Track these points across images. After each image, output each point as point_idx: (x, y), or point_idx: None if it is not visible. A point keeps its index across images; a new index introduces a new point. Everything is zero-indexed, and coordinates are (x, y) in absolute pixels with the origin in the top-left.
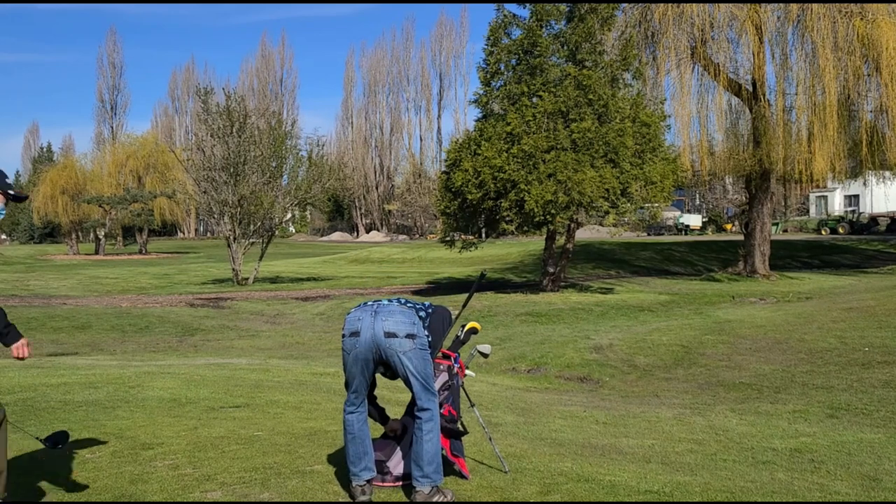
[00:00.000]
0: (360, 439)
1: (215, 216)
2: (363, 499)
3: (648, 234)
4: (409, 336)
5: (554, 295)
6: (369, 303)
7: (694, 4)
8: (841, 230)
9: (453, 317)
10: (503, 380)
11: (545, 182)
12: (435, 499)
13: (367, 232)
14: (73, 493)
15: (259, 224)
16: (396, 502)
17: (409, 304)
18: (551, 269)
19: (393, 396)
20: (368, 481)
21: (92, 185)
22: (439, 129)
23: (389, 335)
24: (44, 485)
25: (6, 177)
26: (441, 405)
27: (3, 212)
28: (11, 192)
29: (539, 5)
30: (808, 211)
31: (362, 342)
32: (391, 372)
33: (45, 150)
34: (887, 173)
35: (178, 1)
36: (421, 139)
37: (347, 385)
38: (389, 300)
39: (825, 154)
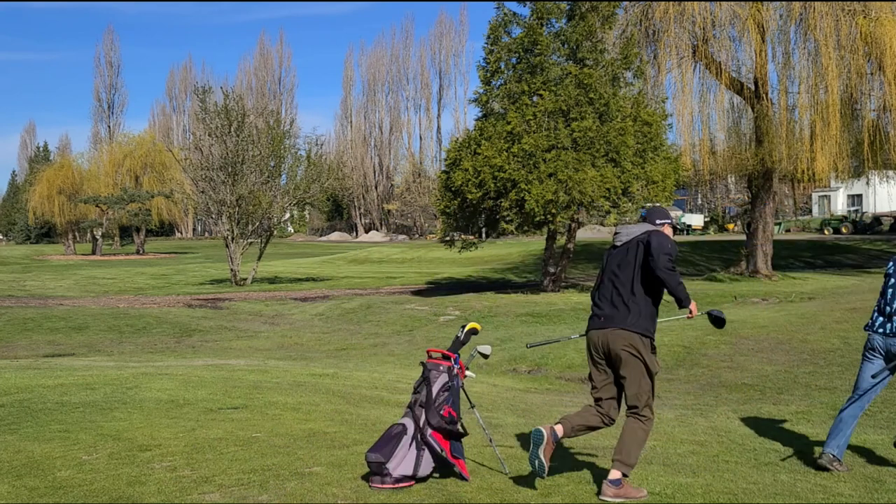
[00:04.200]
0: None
1: (213, 216)
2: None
3: None
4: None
5: (555, 295)
6: None
7: (695, 3)
8: (844, 230)
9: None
10: (503, 381)
11: (546, 181)
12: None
13: (367, 232)
14: (71, 495)
15: (257, 224)
16: (396, 503)
17: None
18: (552, 270)
19: (392, 398)
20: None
21: (89, 184)
22: (439, 128)
23: None
24: (41, 486)
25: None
26: (441, 406)
27: None
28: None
29: (539, 3)
30: (810, 210)
31: None
32: None
33: (41, 149)
34: (890, 172)
35: None
36: (420, 138)
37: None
38: None
39: (828, 153)
